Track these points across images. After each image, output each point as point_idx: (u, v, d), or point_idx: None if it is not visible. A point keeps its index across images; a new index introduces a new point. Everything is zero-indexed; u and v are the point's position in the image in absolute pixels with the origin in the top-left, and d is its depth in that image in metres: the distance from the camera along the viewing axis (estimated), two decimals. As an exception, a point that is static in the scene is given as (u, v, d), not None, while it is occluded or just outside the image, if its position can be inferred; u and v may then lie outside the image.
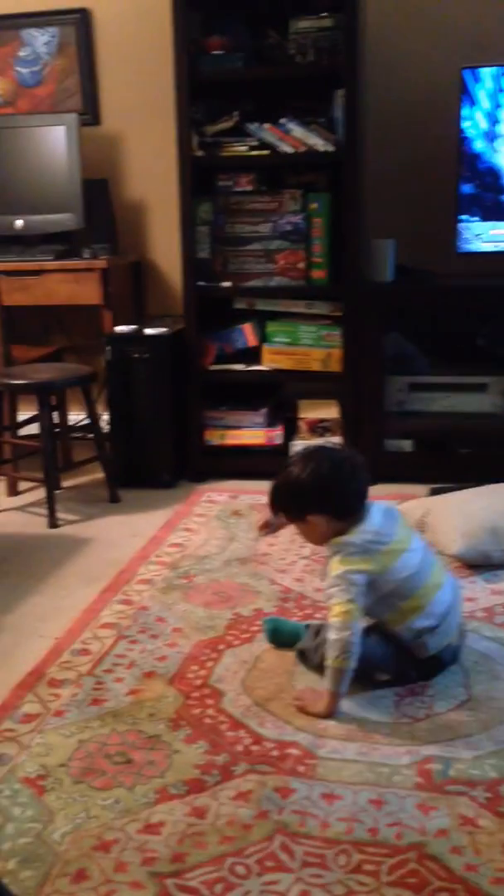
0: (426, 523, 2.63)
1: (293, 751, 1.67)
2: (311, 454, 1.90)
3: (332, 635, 1.78)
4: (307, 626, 2.01)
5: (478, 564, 2.46)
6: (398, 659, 1.87)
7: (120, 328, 3.26)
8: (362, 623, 1.82)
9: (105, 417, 3.39)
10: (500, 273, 3.17)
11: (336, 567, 1.80)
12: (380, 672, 1.88)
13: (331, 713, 1.77)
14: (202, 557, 2.60)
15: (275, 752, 1.66)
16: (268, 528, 2.05)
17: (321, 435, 3.30)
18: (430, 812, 1.49)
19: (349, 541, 1.82)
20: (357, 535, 1.82)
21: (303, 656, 1.96)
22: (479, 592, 2.32)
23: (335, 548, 1.83)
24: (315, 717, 1.77)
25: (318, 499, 1.84)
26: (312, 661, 1.91)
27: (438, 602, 1.85)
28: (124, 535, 2.83)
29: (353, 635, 1.76)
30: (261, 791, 1.56)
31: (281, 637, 2.05)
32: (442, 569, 1.94)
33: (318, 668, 1.85)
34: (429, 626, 1.83)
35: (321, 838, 1.44)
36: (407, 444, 3.24)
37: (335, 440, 3.26)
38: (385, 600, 1.83)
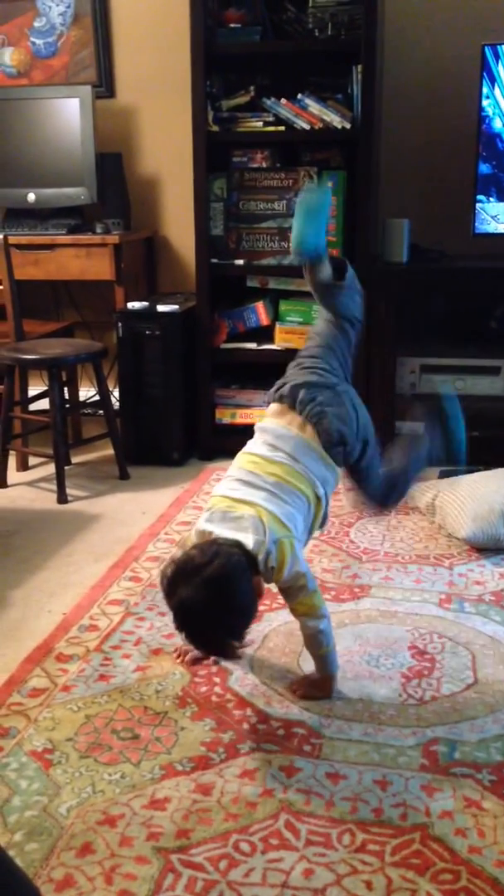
0: (436, 506, 2.62)
1: (299, 730, 1.67)
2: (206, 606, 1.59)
3: (309, 629, 1.75)
4: None
5: (487, 548, 2.45)
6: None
7: (132, 304, 3.25)
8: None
9: (115, 394, 3.38)
10: (516, 255, 3.14)
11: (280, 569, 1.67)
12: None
13: (331, 693, 1.78)
14: (211, 536, 2.60)
15: (281, 731, 1.67)
16: (191, 659, 1.90)
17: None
18: (435, 794, 1.49)
19: (292, 570, 1.68)
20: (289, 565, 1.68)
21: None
22: (488, 576, 2.31)
23: (287, 584, 1.71)
24: (319, 699, 1.77)
25: (233, 631, 1.63)
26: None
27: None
28: (133, 512, 2.83)
29: (326, 620, 1.75)
30: (266, 769, 1.56)
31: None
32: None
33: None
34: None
35: (326, 817, 1.45)
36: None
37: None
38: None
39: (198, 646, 1.72)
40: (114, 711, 1.74)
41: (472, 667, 1.88)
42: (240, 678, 1.85)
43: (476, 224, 3.10)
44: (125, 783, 1.54)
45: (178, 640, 1.83)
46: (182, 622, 1.60)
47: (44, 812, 1.47)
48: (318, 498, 1.80)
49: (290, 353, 3.27)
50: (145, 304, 3.25)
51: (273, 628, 2.05)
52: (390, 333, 3.09)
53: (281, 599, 2.18)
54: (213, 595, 1.56)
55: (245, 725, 1.69)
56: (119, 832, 1.42)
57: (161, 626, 2.07)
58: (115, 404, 3.29)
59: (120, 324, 3.21)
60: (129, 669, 1.89)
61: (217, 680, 1.85)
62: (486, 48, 2.97)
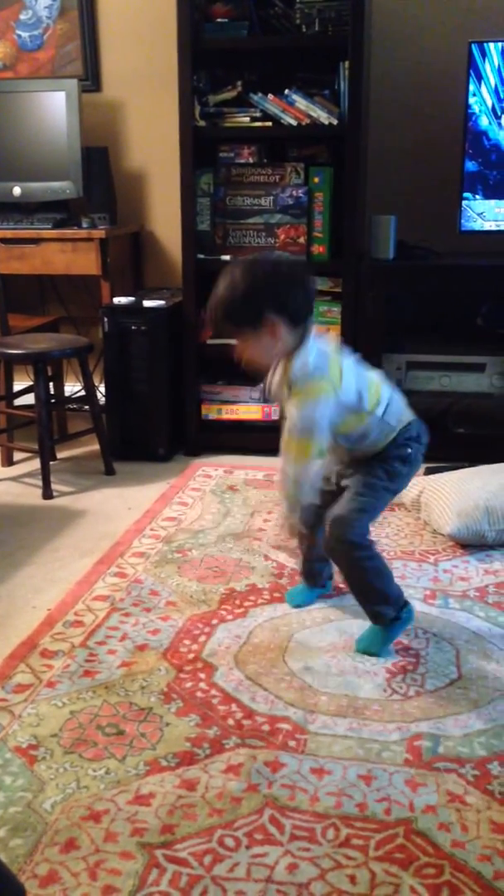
0: (421, 502, 2.63)
1: (284, 725, 1.68)
2: (248, 261, 1.82)
3: (288, 471, 1.84)
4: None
5: (472, 544, 2.46)
6: None
7: (118, 299, 3.24)
8: (319, 464, 1.89)
9: (101, 389, 3.37)
10: (501, 252, 3.15)
11: (300, 401, 1.80)
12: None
13: (291, 534, 1.95)
14: (197, 532, 2.60)
15: (266, 727, 1.67)
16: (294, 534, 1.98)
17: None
18: (419, 788, 1.50)
19: (306, 360, 1.80)
20: (309, 354, 1.80)
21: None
22: (472, 572, 2.32)
23: (295, 376, 1.80)
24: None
25: (273, 297, 1.76)
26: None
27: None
28: (119, 507, 2.83)
29: (306, 472, 1.83)
30: (251, 765, 1.57)
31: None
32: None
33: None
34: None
35: (310, 812, 1.45)
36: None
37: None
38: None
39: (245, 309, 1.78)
40: (99, 707, 1.74)
41: (457, 662, 1.89)
42: (225, 674, 1.85)
43: (462, 221, 3.11)
44: (110, 779, 1.54)
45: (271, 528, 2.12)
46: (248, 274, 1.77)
47: (28, 808, 1.47)
48: (359, 411, 1.86)
49: (277, 349, 3.29)
50: (131, 299, 3.24)
51: (258, 624, 2.06)
52: (376, 330, 3.10)
53: (266, 595, 2.20)
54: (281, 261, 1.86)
55: (230, 721, 1.69)
56: (103, 828, 1.42)
57: (146, 621, 2.07)
58: (101, 399, 3.28)
59: (106, 319, 3.19)
60: (114, 665, 1.89)
61: (202, 676, 1.85)
62: (473, 45, 2.97)
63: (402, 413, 1.93)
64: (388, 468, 1.92)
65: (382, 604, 1.91)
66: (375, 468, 1.93)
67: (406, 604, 1.94)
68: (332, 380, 1.81)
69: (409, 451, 1.93)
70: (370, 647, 1.92)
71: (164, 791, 1.50)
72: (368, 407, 1.87)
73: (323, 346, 1.85)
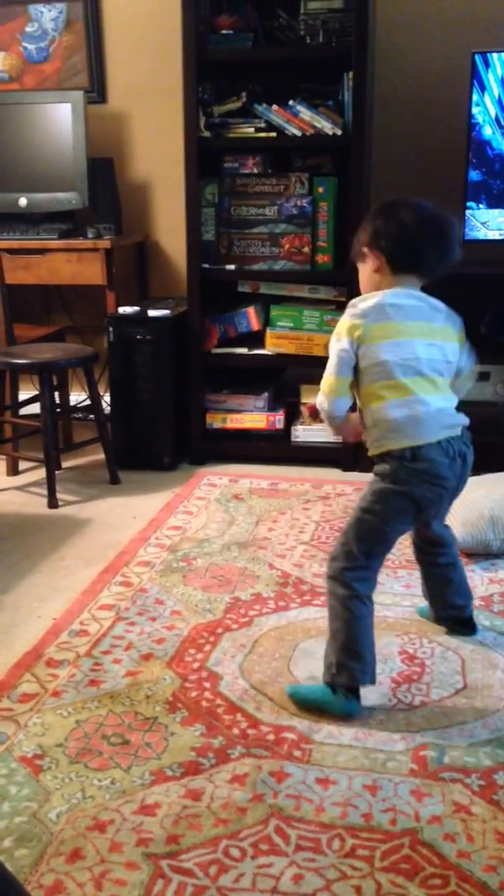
0: (426, 511, 2.63)
1: (289, 735, 1.68)
2: (402, 200, 1.80)
3: (319, 401, 1.83)
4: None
5: (476, 553, 2.46)
6: None
7: (123, 309, 3.25)
8: (348, 397, 1.80)
9: (106, 399, 3.38)
10: (505, 261, 3.15)
11: (336, 330, 1.78)
12: None
13: (345, 436, 1.91)
14: (201, 541, 2.60)
15: (271, 737, 1.67)
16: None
17: (322, 421, 3.29)
18: (424, 798, 1.50)
19: (356, 302, 1.77)
20: (371, 299, 1.76)
21: None
22: (477, 581, 2.32)
23: (348, 307, 1.78)
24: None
25: (379, 232, 1.76)
26: None
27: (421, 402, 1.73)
28: (124, 516, 2.83)
29: (332, 406, 1.79)
30: (256, 775, 1.56)
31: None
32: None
33: None
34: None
35: (315, 822, 1.45)
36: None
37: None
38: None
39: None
40: (104, 717, 1.74)
41: (462, 672, 1.89)
42: (230, 683, 1.85)
43: (466, 230, 3.12)
44: (115, 789, 1.54)
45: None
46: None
47: (33, 818, 1.47)
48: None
49: (281, 359, 3.31)
50: (136, 308, 3.26)
51: (263, 633, 2.06)
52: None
53: (271, 604, 2.20)
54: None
55: (235, 730, 1.69)
56: (109, 838, 1.42)
57: (151, 630, 2.08)
58: (106, 409, 3.29)
59: (111, 328, 3.21)
60: (119, 674, 1.89)
61: (207, 685, 1.85)
62: (476, 56, 2.98)
63: (400, 438, 1.73)
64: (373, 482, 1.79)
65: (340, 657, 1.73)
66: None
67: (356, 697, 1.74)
68: (361, 327, 1.73)
69: (388, 467, 1.74)
70: (305, 694, 1.78)
71: (170, 801, 1.50)
72: (362, 393, 1.77)
73: (396, 299, 1.76)
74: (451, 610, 2.02)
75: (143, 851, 1.39)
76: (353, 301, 1.79)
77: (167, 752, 1.63)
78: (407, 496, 1.74)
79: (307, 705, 1.76)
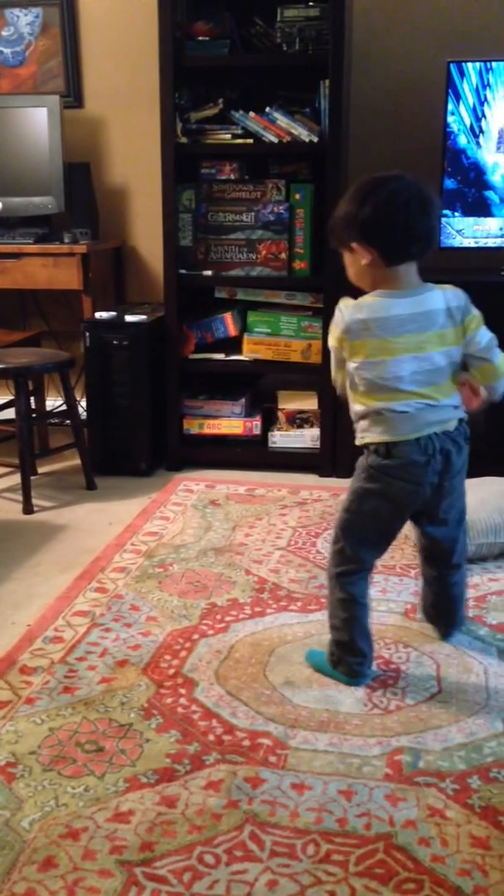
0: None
1: (265, 741, 1.67)
2: (376, 180, 1.70)
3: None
4: None
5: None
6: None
7: (99, 314, 3.24)
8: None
9: (83, 404, 3.37)
10: (481, 269, 3.18)
11: (330, 331, 1.79)
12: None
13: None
14: (178, 546, 2.59)
15: (246, 742, 1.67)
16: None
17: (299, 426, 3.31)
18: (399, 803, 1.50)
19: (344, 310, 1.74)
20: (365, 308, 1.72)
21: None
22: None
23: (337, 313, 1.76)
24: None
25: (367, 228, 1.68)
26: None
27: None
28: (100, 522, 2.82)
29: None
30: (231, 781, 1.56)
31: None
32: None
33: None
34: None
35: (290, 828, 1.45)
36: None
37: (314, 432, 3.26)
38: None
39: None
40: (78, 724, 1.73)
41: (437, 676, 1.90)
42: (206, 689, 1.85)
43: (442, 238, 3.14)
44: (89, 796, 1.53)
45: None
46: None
47: (6, 826, 1.45)
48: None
49: (258, 364, 3.31)
50: (113, 313, 3.25)
51: (239, 639, 2.05)
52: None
53: (248, 610, 2.19)
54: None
55: (210, 737, 1.69)
56: (82, 846, 1.41)
57: (126, 636, 2.06)
58: (83, 414, 3.28)
59: (87, 333, 3.20)
60: (94, 681, 1.88)
61: (183, 691, 1.84)
62: (451, 65, 3.01)
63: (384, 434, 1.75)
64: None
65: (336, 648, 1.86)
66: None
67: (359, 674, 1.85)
68: (345, 342, 1.74)
69: (365, 461, 1.79)
70: (319, 665, 1.91)
71: (144, 808, 1.49)
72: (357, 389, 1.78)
73: (386, 311, 1.70)
74: (434, 623, 2.07)
75: (117, 859, 1.38)
76: (343, 305, 1.75)
77: (142, 759, 1.62)
78: (380, 495, 1.76)
79: (319, 671, 1.90)
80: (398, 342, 1.71)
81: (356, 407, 1.80)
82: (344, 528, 1.82)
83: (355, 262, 1.75)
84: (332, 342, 1.79)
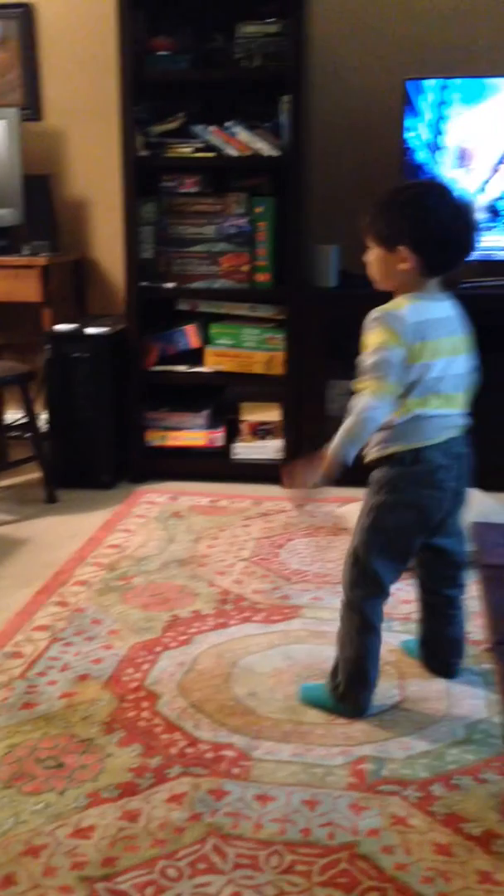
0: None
1: (228, 752, 1.66)
2: (441, 191, 1.67)
3: (352, 410, 1.66)
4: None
5: (414, 567, 2.48)
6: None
7: (60, 326, 3.22)
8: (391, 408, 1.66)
9: (43, 417, 3.34)
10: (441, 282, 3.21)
11: (373, 339, 1.66)
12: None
13: (327, 475, 1.68)
14: (140, 559, 2.58)
15: (209, 755, 1.66)
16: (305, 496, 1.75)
17: (262, 437, 3.31)
18: (363, 812, 1.50)
19: (397, 314, 1.65)
20: (410, 310, 1.66)
21: None
22: (415, 595, 2.34)
23: (377, 314, 1.66)
24: (307, 484, 1.68)
25: (424, 239, 1.63)
26: None
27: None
28: (61, 536, 2.79)
29: (374, 410, 1.63)
30: (194, 793, 1.55)
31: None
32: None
33: None
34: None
35: (254, 840, 1.44)
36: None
37: (277, 443, 3.27)
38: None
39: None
40: (38, 740, 1.70)
41: (400, 684, 1.90)
42: (168, 702, 1.83)
43: (401, 251, 3.17)
44: (49, 812, 1.50)
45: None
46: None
47: (-36, 845, 1.42)
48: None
49: (221, 376, 3.31)
50: (74, 326, 3.23)
51: (203, 650, 2.04)
52: (321, 357, 3.13)
53: (211, 621, 2.18)
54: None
55: (173, 750, 1.67)
56: (42, 862, 1.39)
57: (88, 651, 2.04)
58: (44, 427, 3.25)
59: (48, 346, 3.17)
60: (54, 696, 1.86)
61: (145, 705, 1.82)
62: (409, 83, 3.06)
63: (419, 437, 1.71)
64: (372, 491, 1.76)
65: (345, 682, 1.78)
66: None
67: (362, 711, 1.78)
68: (403, 344, 1.64)
69: (386, 474, 1.73)
70: (318, 701, 1.82)
71: (105, 823, 1.47)
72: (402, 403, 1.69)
73: (434, 313, 1.68)
74: (436, 661, 1.95)
75: (78, 875, 1.36)
76: (386, 312, 1.67)
77: (103, 774, 1.60)
78: (407, 506, 1.72)
79: (316, 707, 1.81)
80: (441, 344, 1.68)
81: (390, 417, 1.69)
82: (367, 548, 1.74)
83: (389, 262, 1.69)
84: (385, 349, 1.64)
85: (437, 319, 1.69)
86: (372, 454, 1.75)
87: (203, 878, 1.35)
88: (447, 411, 1.72)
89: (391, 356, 1.64)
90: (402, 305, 1.68)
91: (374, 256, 1.74)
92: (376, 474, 1.75)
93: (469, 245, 1.68)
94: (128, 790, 1.56)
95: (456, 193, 1.68)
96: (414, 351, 1.65)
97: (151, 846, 1.42)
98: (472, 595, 2.31)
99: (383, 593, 1.79)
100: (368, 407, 1.64)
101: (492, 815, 1.49)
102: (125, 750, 1.67)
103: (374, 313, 1.68)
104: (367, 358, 1.67)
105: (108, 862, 1.39)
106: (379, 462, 1.74)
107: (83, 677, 1.93)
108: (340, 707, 1.78)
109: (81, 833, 1.45)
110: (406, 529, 1.75)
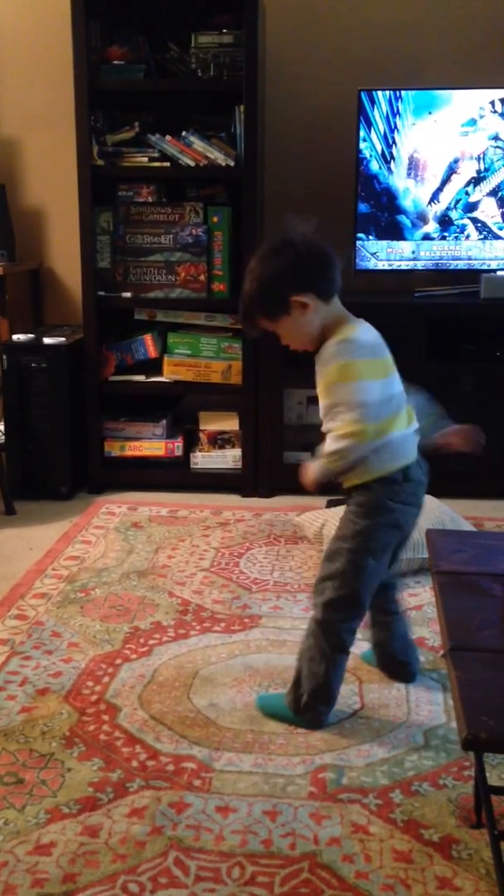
0: (324, 535, 2.67)
1: (189, 765, 1.66)
2: (265, 250, 1.72)
3: (330, 446, 1.65)
4: None
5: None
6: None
7: (17, 336, 3.19)
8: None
9: (0, 427, 3.31)
10: (394, 290, 3.26)
11: (335, 377, 1.65)
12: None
13: (312, 484, 1.73)
14: (100, 570, 2.56)
15: (170, 767, 1.65)
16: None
17: (221, 447, 3.32)
18: (323, 821, 1.51)
19: (350, 337, 1.66)
20: (361, 332, 1.69)
21: None
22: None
23: (333, 349, 1.66)
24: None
25: (299, 275, 1.67)
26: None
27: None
28: (20, 548, 2.76)
29: (356, 447, 1.63)
30: (155, 807, 1.54)
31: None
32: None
33: None
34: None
35: (215, 852, 1.44)
36: (305, 457, 3.25)
37: (235, 452, 3.28)
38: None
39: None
40: (-3, 756, 1.69)
41: (359, 692, 1.92)
42: (129, 714, 1.82)
43: (357, 261, 3.21)
44: (8, 830, 1.49)
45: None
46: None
47: None
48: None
49: (179, 386, 3.31)
50: (31, 336, 3.21)
51: (163, 662, 2.04)
52: (277, 366, 3.15)
53: (171, 632, 2.18)
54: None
55: (134, 763, 1.67)
56: (2, 881, 1.37)
57: (47, 664, 2.03)
58: (0, 438, 3.22)
59: (5, 356, 3.14)
60: (13, 711, 1.84)
61: (105, 718, 1.81)
62: (362, 93, 3.10)
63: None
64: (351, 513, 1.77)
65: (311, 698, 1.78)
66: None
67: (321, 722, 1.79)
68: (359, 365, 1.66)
69: (373, 495, 1.73)
70: (276, 711, 1.82)
71: (66, 839, 1.46)
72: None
73: (371, 335, 1.71)
74: (393, 663, 1.97)
75: (39, 892, 1.35)
76: (333, 343, 1.67)
77: (63, 789, 1.59)
78: (393, 525, 1.74)
79: (274, 717, 1.81)
80: (385, 362, 1.72)
81: (370, 443, 1.67)
82: (356, 571, 1.73)
83: (297, 320, 1.70)
84: (359, 385, 1.64)
85: (371, 339, 1.72)
86: (355, 480, 1.73)
87: (165, 893, 1.35)
88: (410, 427, 1.75)
89: (368, 395, 1.64)
90: (351, 331, 1.69)
91: (284, 329, 1.74)
92: (360, 498, 1.74)
93: (325, 252, 1.70)
94: (88, 805, 1.55)
95: (296, 234, 1.71)
96: (370, 366, 1.67)
97: (112, 861, 1.42)
98: (428, 601, 2.34)
99: (362, 615, 1.81)
100: (350, 450, 1.64)
101: (450, 820, 1.51)
102: (86, 764, 1.66)
103: (332, 347, 1.67)
104: (339, 394, 1.65)
105: (68, 878, 1.38)
106: (366, 485, 1.72)
107: (43, 691, 1.91)
108: (299, 719, 1.79)
109: (41, 849, 1.44)
110: (388, 548, 1.77)
